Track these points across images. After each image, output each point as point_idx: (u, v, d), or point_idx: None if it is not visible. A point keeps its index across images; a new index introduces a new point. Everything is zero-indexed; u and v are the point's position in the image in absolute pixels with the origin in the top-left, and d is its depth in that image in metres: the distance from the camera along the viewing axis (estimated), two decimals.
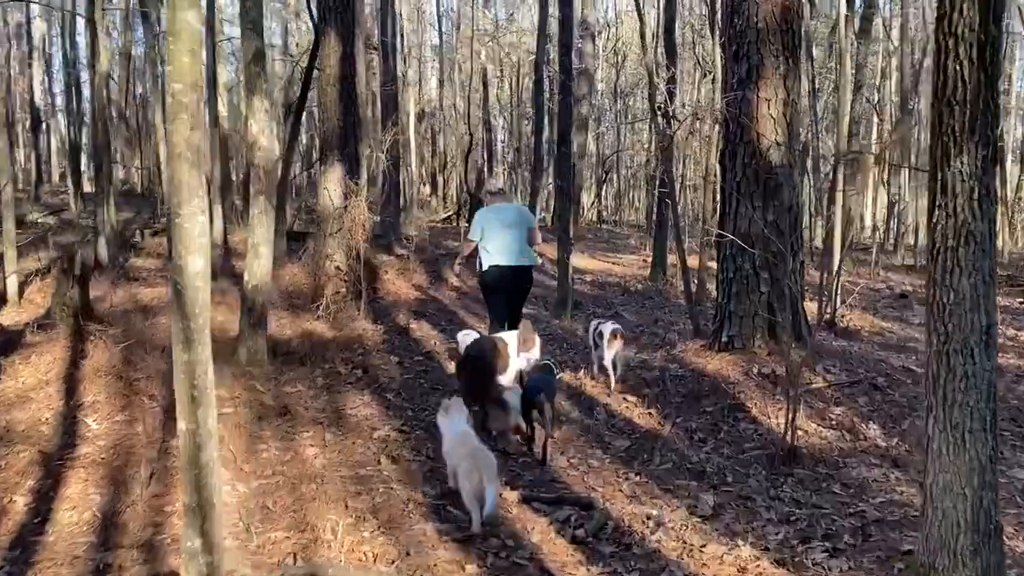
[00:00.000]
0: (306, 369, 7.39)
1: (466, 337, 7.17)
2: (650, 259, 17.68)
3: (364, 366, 7.62)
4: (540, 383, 5.68)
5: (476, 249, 7.30)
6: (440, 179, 30.30)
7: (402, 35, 24.05)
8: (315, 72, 11.79)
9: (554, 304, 10.75)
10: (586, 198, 28.94)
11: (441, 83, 27.69)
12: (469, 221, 9.48)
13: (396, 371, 7.65)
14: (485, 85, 20.60)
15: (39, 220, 16.32)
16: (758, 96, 7.35)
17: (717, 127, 10.99)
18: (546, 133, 19.88)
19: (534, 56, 18.26)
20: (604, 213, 32.36)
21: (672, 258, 15.24)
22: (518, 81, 22.09)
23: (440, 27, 27.86)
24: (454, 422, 4.98)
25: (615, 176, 29.12)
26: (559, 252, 10.66)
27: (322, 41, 10.72)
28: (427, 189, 34.18)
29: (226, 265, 12.65)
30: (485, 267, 7.06)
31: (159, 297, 10.00)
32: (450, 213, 25.08)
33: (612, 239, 24.08)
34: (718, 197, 8.52)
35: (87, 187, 21.01)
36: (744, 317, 7.44)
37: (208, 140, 17.11)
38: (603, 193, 30.46)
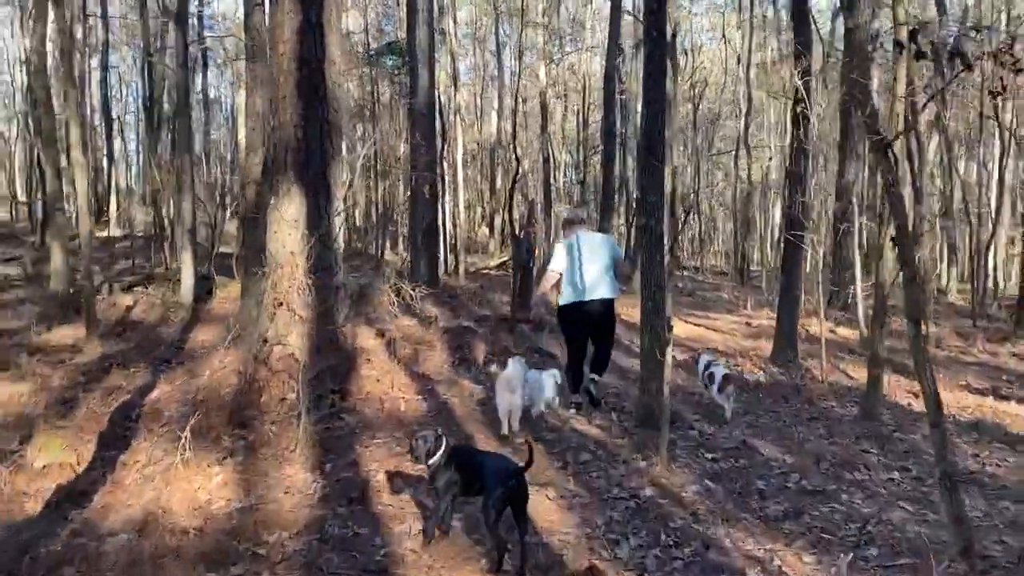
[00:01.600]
0: None
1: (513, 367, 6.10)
2: (754, 321, 12.99)
3: None
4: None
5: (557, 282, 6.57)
6: (499, 220, 26.23)
7: (453, 58, 20.14)
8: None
9: (636, 418, 6.23)
10: None
11: (500, 114, 23.69)
12: (509, 265, 7.88)
13: None
14: (544, 108, 16.43)
15: None
16: None
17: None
18: (617, 167, 15.51)
19: (604, 67, 13.96)
20: (681, 258, 27.62)
21: (811, 324, 10.56)
22: (584, 106, 17.86)
23: (499, 53, 23.91)
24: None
25: (696, 216, 24.48)
26: (644, 332, 6.17)
27: (275, 4, 6.62)
28: (485, 230, 30.17)
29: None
30: (564, 301, 6.42)
31: None
32: (506, 258, 20.93)
33: (697, 290, 19.35)
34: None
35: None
36: None
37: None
38: (680, 236, 25.74)
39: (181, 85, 11.03)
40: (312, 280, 6.35)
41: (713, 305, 16.20)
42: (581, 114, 17.87)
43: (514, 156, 10.33)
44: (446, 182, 19.69)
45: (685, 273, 24.22)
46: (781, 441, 6.14)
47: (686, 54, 28.49)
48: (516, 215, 12.29)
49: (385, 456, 5.36)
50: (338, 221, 7.06)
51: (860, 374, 8.81)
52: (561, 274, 6.42)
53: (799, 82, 8.17)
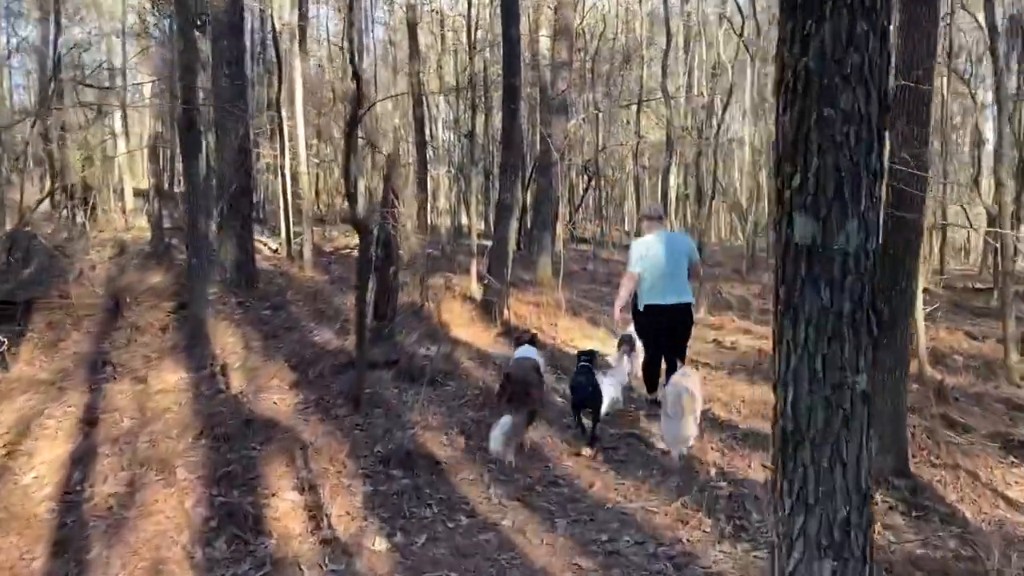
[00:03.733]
0: None
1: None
2: (727, 338, 8.57)
3: None
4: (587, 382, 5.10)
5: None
6: (363, 183, 20.90)
7: None
8: None
9: None
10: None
11: (362, 55, 18.24)
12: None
13: None
14: (412, 28, 11.24)
15: None
16: None
17: None
18: (523, 111, 10.71)
19: None
20: (575, 230, 23.05)
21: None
22: (469, 31, 12.84)
23: None
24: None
25: (600, 181, 20.06)
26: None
27: None
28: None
29: None
30: (641, 305, 5.87)
31: None
32: None
33: (610, 274, 15.00)
34: None
35: None
36: None
37: None
38: (583, 204, 21.29)
39: None
40: None
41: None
42: (467, 35, 12.76)
43: (352, 72, 5.28)
44: (284, 134, 14.28)
45: (582, 247, 19.90)
46: None
47: None
48: (361, 184, 7.26)
49: None
50: None
51: None
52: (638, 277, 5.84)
53: None
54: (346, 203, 7.37)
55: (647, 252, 5.81)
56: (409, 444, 4.64)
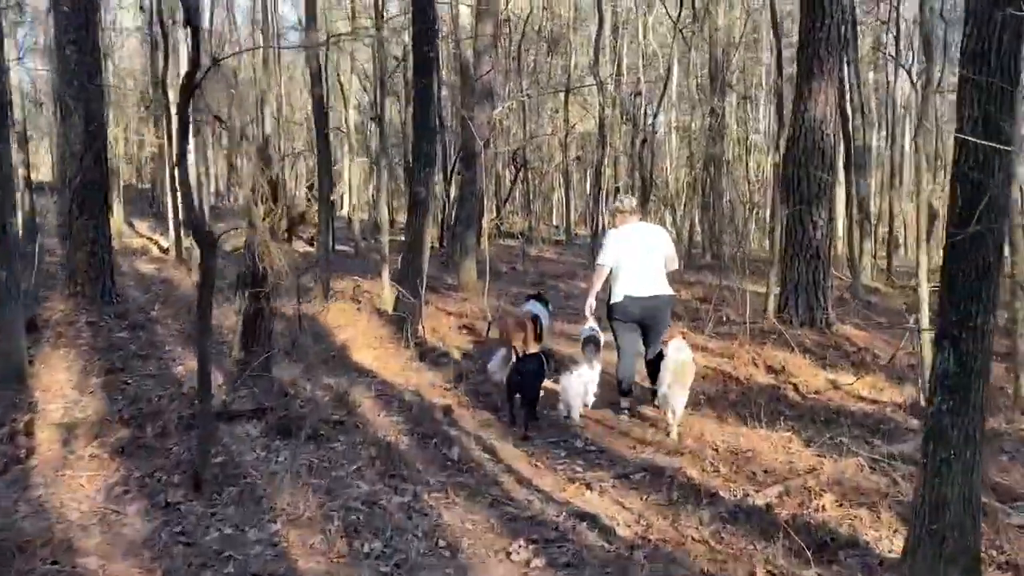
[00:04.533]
0: None
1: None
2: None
3: None
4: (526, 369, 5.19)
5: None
6: (282, 177, 18.92)
7: None
8: None
9: None
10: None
11: (265, 32, 16.24)
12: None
13: None
14: None
15: None
16: None
17: None
18: (444, 97, 9.11)
19: None
20: (502, 225, 21.44)
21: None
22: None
23: None
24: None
25: (527, 174, 18.60)
26: None
27: None
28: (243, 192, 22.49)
29: None
30: (615, 298, 5.77)
31: None
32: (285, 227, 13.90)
33: (542, 274, 13.59)
34: None
35: None
36: None
37: None
38: (511, 197, 19.81)
39: None
40: None
41: (575, 302, 10.44)
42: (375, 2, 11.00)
43: (184, 19, 3.64)
44: (172, 117, 12.29)
45: (510, 243, 18.45)
46: None
47: None
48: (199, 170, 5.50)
49: None
50: None
51: None
52: (611, 270, 5.78)
53: None
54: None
55: (622, 244, 5.75)
56: (259, 562, 3.07)
